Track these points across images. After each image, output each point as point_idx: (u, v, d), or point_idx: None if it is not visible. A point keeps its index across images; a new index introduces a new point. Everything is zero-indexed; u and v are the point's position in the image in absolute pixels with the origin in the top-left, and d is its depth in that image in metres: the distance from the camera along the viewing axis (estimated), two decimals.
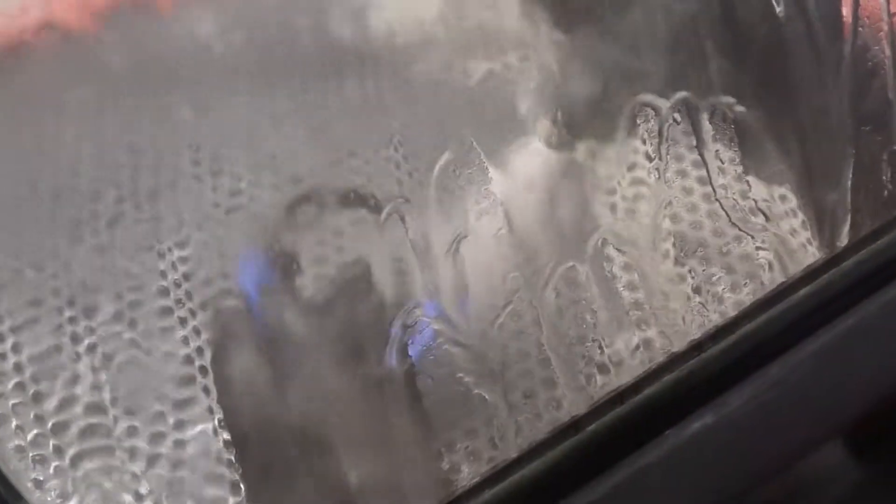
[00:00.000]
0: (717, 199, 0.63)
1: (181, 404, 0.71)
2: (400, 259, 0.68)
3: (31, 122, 0.81)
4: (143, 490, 0.67)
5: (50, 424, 0.71)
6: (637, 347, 0.67)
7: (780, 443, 0.46)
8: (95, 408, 0.71)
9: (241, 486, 0.70)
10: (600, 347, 0.63)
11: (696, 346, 0.43)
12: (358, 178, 0.82)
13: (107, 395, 0.69)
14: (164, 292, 0.77)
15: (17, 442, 0.68)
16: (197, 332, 0.75)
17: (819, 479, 0.53)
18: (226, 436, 0.72)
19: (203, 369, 0.73)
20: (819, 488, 0.53)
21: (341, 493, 0.59)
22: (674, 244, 0.63)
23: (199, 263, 0.78)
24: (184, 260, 0.75)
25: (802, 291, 0.44)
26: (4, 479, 0.40)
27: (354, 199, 0.78)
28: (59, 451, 0.69)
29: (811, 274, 0.45)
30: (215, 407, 0.71)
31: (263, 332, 0.65)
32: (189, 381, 0.73)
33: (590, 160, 0.65)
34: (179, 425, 0.71)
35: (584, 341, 0.67)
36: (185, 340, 0.75)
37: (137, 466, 0.67)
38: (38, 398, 0.69)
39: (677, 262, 0.62)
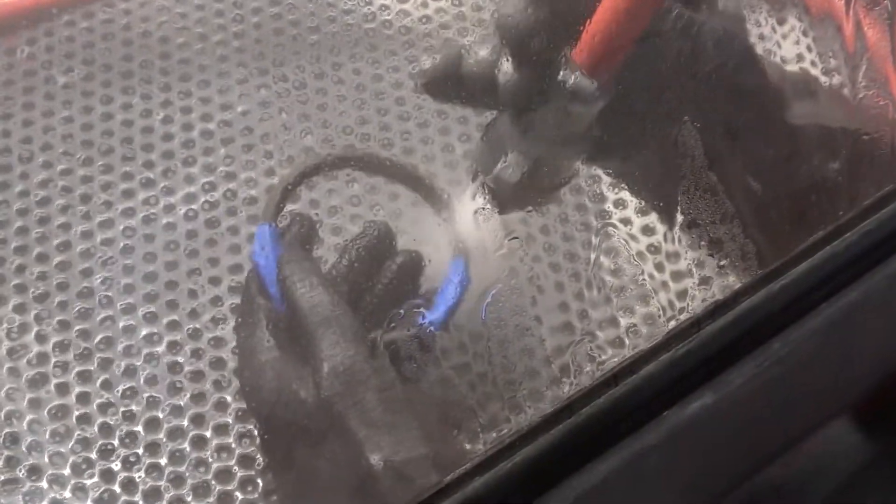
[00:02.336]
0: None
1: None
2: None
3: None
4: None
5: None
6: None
7: (784, 422, 0.44)
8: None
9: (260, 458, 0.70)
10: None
11: (695, 323, 0.42)
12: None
13: None
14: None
15: None
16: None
17: (826, 457, 0.52)
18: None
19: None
20: (827, 466, 0.52)
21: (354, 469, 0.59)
22: None
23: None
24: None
25: (804, 265, 0.43)
26: None
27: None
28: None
29: (813, 246, 0.43)
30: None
31: (276, 306, 0.65)
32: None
33: None
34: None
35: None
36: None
37: None
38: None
39: None
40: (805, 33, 0.57)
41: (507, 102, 0.59)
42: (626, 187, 0.72)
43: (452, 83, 0.61)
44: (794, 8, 0.62)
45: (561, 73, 0.56)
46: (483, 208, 0.62)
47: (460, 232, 0.67)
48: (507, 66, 0.58)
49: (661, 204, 0.65)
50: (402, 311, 0.63)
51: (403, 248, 0.67)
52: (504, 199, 0.62)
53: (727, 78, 0.55)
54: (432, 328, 0.64)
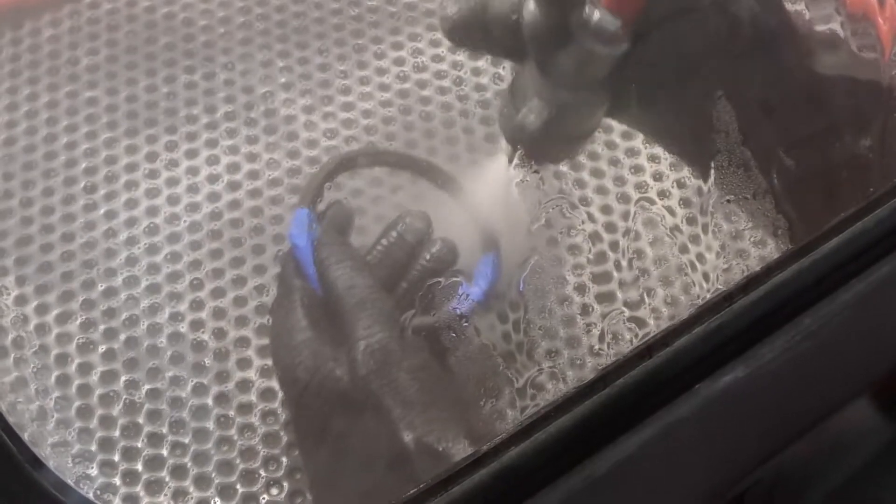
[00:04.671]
0: None
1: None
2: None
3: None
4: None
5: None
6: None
7: (815, 396, 0.45)
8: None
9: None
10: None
11: (727, 297, 0.42)
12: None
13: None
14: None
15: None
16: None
17: (849, 438, 0.52)
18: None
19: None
20: (849, 447, 0.52)
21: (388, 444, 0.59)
22: None
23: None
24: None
25: (835, 240, 0.43)
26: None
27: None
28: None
29: (845, 221, 0.43)
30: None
31: (312, 287, 0.66)
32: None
33: None
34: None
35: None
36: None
37: None
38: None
39: None
40: (838, 11, 0.57)
41: (531, 43, 0.59)
42: (652, 141, 0.72)
43: (477, 28, 0.61)
44: None
45: (585, 10, 0.56)
46: (522, 180, 0.62)
47: (494, 210, 0.68)
48: (531, 5, 0.58)
49: (689, 159, 0.65)
50: (441, 281, 0.64)
51: (439, 235, 0.68)
52: (527, 148, 0.62)
53: (762, 53, 0.55)
54: (471, 299, 0.64)
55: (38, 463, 0.40)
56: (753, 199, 0.57)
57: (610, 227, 0.77)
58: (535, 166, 0.63)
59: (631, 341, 0.68)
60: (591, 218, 0.76)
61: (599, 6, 0.56)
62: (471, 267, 0.67)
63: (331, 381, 0.62)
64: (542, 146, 0.63)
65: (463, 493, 0.39)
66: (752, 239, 0.61)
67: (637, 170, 0.79)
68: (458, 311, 0.63)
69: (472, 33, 0.62)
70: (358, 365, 0.61)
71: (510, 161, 0.63)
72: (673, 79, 0.57)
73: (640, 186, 0.78)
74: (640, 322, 0.71)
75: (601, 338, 0.70)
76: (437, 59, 0.85)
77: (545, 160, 0.65)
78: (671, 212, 0.76)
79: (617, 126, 0.80)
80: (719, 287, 0.67)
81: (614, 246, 0.75)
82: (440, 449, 0.58)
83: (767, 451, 0.44)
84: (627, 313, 0.71)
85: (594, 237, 0.76)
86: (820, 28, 0.61)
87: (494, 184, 0.68)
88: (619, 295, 0.73)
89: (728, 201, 0.58)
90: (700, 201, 0.71)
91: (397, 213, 0.69)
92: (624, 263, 0.74)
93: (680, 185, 0.77)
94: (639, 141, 0.79)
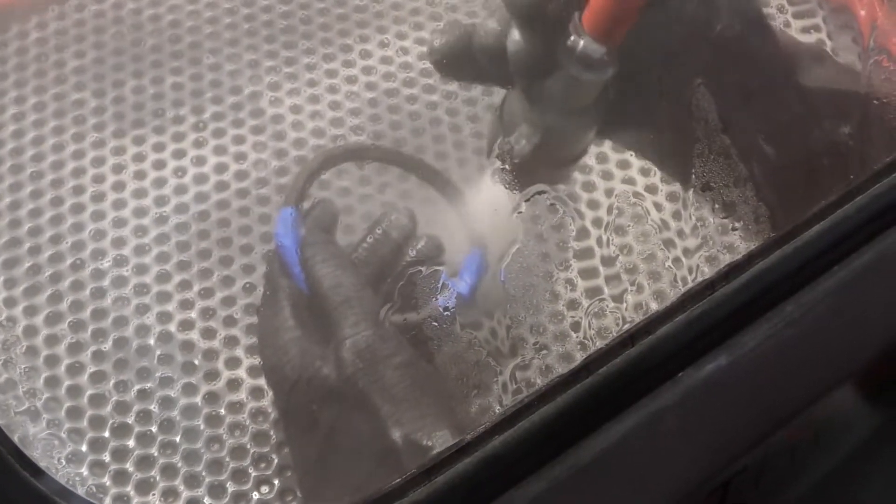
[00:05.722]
0: None
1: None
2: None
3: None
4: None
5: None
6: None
7: (798, 383, 0.45)
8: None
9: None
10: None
11: (709, 285, 0.42)
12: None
13: None
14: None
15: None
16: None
17: (836, 425, 0.52)
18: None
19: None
20: (836, 434, 0.52)
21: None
22: None
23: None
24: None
25: (817, 228, 0.43)
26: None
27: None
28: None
29: (826, 209, 0.43)
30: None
31: (298, 287, 0.66)
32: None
33: None
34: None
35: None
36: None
37: None
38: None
39: None
40: (820, 6, 0.57)
41: (518, 72, 0.60)
42: (642, 158, 0.72)
43: (463, 58, 0.62)
44: None
45: (570, 39, 0.56)
46: (502, 168, 0.62)
47: (478, 204, 0.68)
48: (515, 35, 0.58)
49: (677, 171, 0.65)
50: (422, 270, 0.64)
51: (424, 231, 0.68)
52: (516, 173, 0.63)
53: (739, 42, 0.56)
54: (456, 294, 0.64)
55: (32, 467, 0.40)
56: (734, 186, 0.57)
57: (597, 222, 0.77)
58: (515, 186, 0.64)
59: (619, 325, 0.68)
60: (579, 214, 0.77)
61: (584, 34, 0.56)
62: (457, 263, 0.67)
63: (318, 380, 0.62)
64: (534, 170, 0.63)
65: (447, 482, 0.39)
66: (732, 227, 0.61)
67: (624, 164, 0.79)
68: (443, 306, 0.64)
69: (459, 63, 0.62)
70: (345, 364, 0.61)
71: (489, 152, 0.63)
72: (651, 69, 0.57)
73: (626, 181, 0.79)
74: (623, 312, 0.71)
75: (585, 331, 0.70)
76: (424, 56, 0.86)
77: (529, 183, 0.66)
78: (659, 207, 0.76)
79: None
80: (701, 275, 0.67)
81: (599, 239, 0.75)
82: (429, 445, 0.58)
83: (752, 439, 0.44)
84: (612, 303, 0.72)
85: (581, 231, 0.76)
86: (803, 23, 0.62)
87: (479, 179, 0.68)
88: (604, 287, 0.73)
89: (707, 189, 0.58)
90: (682, 193, 0.71)
91: (383, 209, 0.69)
92: (608, 253, 0.74)
93: (665, 181, 0.77)
94: None
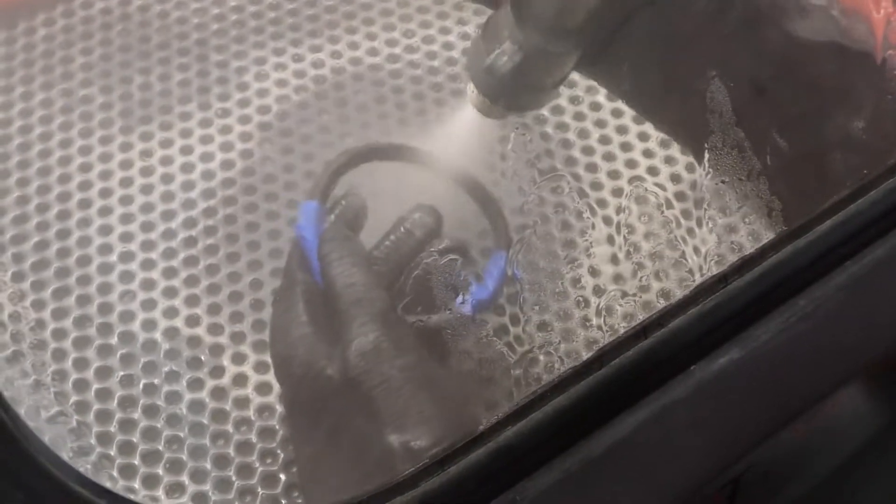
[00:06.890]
0: None
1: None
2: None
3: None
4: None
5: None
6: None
7: (810, 378, 0.45)
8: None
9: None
10: None
11: (722, 279, 0.42)
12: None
13: None
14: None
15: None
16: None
17: (843, 421, 0.52)
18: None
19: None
20: (843, 430, 0.52)
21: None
22: None
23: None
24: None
25: (830, 221, 0.43)
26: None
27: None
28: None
29: (839, 203, 0.43)
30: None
31: (316, 281, 0.66)
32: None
33: None
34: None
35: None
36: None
37: None
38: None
39: None
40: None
41: None
42: (644, 118, 0.71)
43: None
44: None
45: None
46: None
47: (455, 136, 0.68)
48: None
49: (681, 139, 0.64)
50: (436, 256, 0.64)
51: (448, 233, 0.68)
52: (495, 95, 0.62)
53: (752, 31, 0.55)
54: (476, 298, 0.64)
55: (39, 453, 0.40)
56: (747, 180, 0.57)
57: (601, 203, 0.77)
58: (501, 116, 0.63)
59: (630, 317, 0.68)
60: (582, 192, 0.77)
61: None
62: (480, 266, 0.67)
63: (322, 379, 0.62)
64: (510, 93, 0.62)
65: (459, 472, 0.39)
66: (746, 220, 0.61)
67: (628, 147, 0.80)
68: (462, 311, 0.64)
69: None
70: (349, 366, 0.60)
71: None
72: (664, 57, 0.57)
73: (630, 164, 0.79)
74: (635, 302, 0.71)
75: (600, 327, 0.70)
76: (428, 40, 0.86)
77: (510, 109, 0.65)
78: (662, 187, 0.76)
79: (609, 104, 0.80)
80: (713, 268, 0.67)
81: (612, 224, 0.75)
82: (430, 451, 0.58)
83: (763, 433, 0.44)
84: (626, 296, 0.71)
85: (594, 217, 0.76)
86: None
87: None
88: (618, 276, 0.73)
89: (722, 182, 0.58)
90: (692, 179, 0.71)
91: (408, 207, 0.69)
92: (622, 244, 0.74)
93: (670, 161, 0.77)
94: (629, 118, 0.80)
